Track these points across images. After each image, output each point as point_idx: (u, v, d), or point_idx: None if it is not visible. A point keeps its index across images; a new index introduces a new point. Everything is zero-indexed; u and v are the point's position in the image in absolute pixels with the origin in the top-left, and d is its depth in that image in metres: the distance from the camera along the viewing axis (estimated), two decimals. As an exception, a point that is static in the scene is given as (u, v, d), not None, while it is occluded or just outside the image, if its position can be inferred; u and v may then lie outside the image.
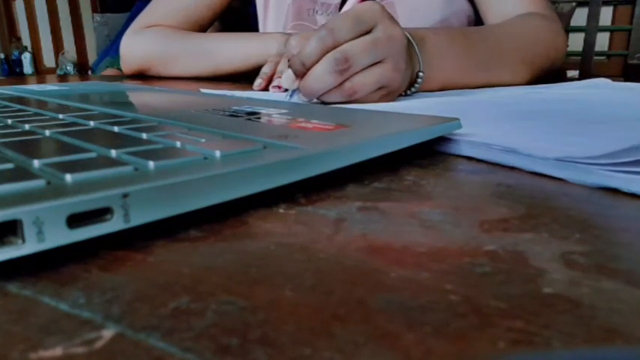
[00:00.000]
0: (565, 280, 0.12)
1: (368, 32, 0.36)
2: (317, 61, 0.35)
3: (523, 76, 0.52)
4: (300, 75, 0.37)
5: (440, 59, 0.44)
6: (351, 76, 0.36)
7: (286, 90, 0.40)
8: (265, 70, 0.53)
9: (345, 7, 0.47)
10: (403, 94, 0.42)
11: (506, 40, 0.52)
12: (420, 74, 0.41)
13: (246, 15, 0.84)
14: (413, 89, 0.42)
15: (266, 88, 0.52)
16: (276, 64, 0.53)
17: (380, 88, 0.37)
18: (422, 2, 0.65)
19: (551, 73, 0.59)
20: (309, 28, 0.69)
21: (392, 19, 0.37)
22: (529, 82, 0.53)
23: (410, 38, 0.40)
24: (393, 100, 0.39)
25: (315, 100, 0.38)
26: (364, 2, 0.38)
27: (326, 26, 0.36)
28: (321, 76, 0.35)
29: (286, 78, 0.38)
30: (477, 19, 0.70)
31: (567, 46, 0.62)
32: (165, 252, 0.13)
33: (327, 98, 0.37)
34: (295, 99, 0.39)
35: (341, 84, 0.36)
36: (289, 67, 0.38)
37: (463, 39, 0.48)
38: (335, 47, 0.35)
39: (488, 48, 0.50)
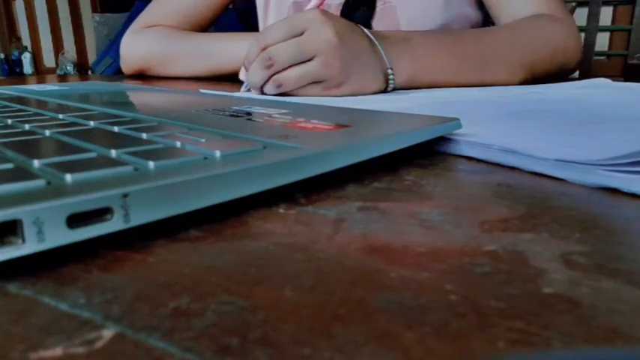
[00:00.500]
0: (565, 280, 0.12)
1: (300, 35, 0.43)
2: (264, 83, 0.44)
3: (519, 79, 0.53)
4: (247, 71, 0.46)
5: (427, 59, 0.48)
6: (280, 71, 0.43)
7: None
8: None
9: (307, 8, 0.53)
10: (385, 90, 0.47)
11: (504, 42, 0.53)
12: (389, 71, 0.46)
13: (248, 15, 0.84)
14: (390, 86, 0.46)
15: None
16: None
17: (318, 83, 0.44)
18: (423, 6, 0.65)
19: (562, 75, 0.59)
20: None
21: (326, 23, 0.42)
22: (527, 83, 0.53)
23: (373, 39, 0.45)
24: (345, 94, 0.44)
25: (254, 91, 0.47)
26: (305, 10, 0.46)
27: (262, 31, 0.45)
28: (254, 71, 0.44)
29: (242, 73, 0.49)
30: (484, 24, 0.70)
31: (581, 48, 0.62)
32: (165, 252, 0.13)
33: (264, 89, 0.45)
34: (246, 90, 0.48)
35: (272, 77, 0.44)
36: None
37: (453, 40, 0.51)
38: (266, 49, 0.43)
39: (481, 49, 0.51)
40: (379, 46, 0.46)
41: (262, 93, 0.45)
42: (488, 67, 0.51)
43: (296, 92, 0.44)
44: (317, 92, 0.44)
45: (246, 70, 0.46)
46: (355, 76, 0.44)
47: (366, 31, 0.46)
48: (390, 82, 0.46)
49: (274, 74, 0.43)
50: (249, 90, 0.48)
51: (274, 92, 0.44)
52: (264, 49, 0.44)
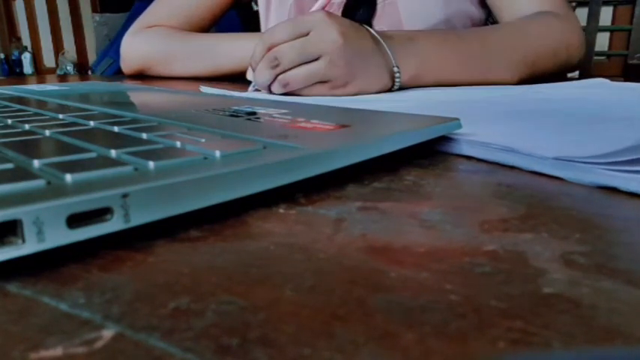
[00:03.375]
0: (565, 280, 0.12)
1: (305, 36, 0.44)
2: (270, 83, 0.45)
3: (521, 76, 0.53)
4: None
5: (432, 57, 0.48)
6: (286, 71, 0.44)
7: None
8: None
9: (313, 9, 0.54)
10: (391, 89, 0.47)
11: (508, 40, 0.53)
12: (395, 69, 0.46)
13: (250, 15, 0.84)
14: (396, 85, 0.47)
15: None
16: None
17: (324, 83, 0.44)
18: (424, 2, 0.65)
19: (566, 72, 0.59)
20: None
21: (332, 24, 0.43)
22: (529, 81, 0.53)
23: (378, 38, 0.46)
24: (350, 93, 0.45)
25: (263, 91, 0.47)
26: (310, 11, 0.48)
27: (268, 32, 0.45)
28: (261, 71, 0.45)
29: (249, 73, 0.50)
30: (486, 21, 0.70)
31: (584, 44, 0.62)
32: (165, 252, 0.13)
33: (272, 89, 0.45)
34: (254, 90, 0.49)
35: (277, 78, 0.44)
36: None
37: (457, 39, 0.51)
38: (272, 49, 0.44)
39: (485, 48, 0.51)
40: (385, 46, 0.46)
41: (270, 92, 0.46)
42: (492, 66, 0.51)
43: (302, 92, 0.45)
44: (323, 92, 0.44)
45: (253, 70, 0.47)
46: (361, 76, 0.44)
47: (371, 30, 0.46)
48: (397, 80, 0.46)
49: (280, 74, 0.44)
50: (257, 90, 0.48)
51: (281, 92, 0.45)
52: (270, 49, 0.44)
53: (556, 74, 0.58)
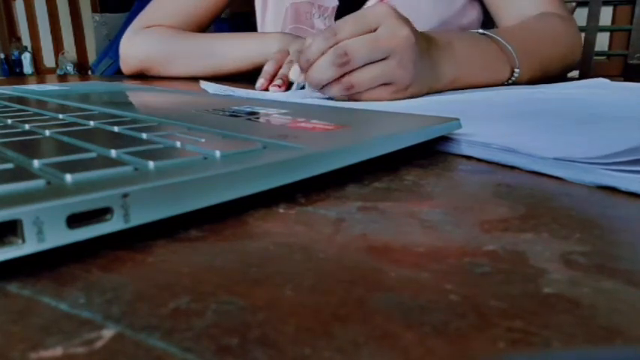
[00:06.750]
0: (565, 280, 0.12)
1: (373, 32, 0.38)
2: (320, 56, 0.39)
3: (539, 76, 0.52)
4: (305, 69, 0.40)
5: (466, 62, 0.46)
6: (352, 71, 0.38)
7: (288, 88, 0.46)
8: (267, 69, 0.54)
9: (369, 3, 0.50)
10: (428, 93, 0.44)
11: (528, 41, 0.52)
12: (441, 73, 0.43)
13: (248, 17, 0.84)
14: (437, 88, 0.44)
15: (267, 88, 0.52)
16: (278, 61, 0.54)
17: (387, 85, 0.39)
18: (418, 6, 0.65)
19: (566, 72, 0.59)
20: (306, 31, 0.69)
21: (400, 19, 0.39)
22: (542, 81, 0.52)
23: (429, 39, 0.42)
24: (407, 97, 0.41)
25: (319, 95, 0.41)
26: (375, 4, 0.41)
27: (332, 26, 0.39)
28: (322, 67, 0.38)
29: (294, 72, 0.44)
30: (485, 21, 0.70)
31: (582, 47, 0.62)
32: (165, 252, 0.13)
33: (328, 91, 0.39)
34: (301, 93, 0.43)
35: (341, 78, 0.38)
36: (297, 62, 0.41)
37: (485, 43, 0.49)
38: (337, 44, 0.38)
39: (507, 52, 0.50)
40: (432, 48, 0.43)
41: (317, 93, 0.41)
42: (513, 70, 0.50)
43: (361, 96, 0.39)
44: (383, 96, 0.40)
45: (303, 68, 0.40)
46: (419, 79, 0.41)
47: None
48: (439, 85, 0.44)
49: (346, 74, 0.39)
50: (302, 88, 0.44)
51: (341, 95, 0.39)
52: (333, 45, 0.38)
53: (562, 75, 0.58)
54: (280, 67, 0.53)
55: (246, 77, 0.65)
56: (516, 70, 0.46)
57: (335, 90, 0.39)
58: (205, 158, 0.16)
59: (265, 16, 0.76)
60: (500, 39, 0.49)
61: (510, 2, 0.62)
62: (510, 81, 0.49)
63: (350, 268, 0.12)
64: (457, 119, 0.25)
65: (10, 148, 0.17)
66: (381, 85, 0.39)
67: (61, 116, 0.26)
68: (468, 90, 0.46)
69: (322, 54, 0.38)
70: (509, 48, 0.45)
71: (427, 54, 0.41)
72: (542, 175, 0.20)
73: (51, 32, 3.06)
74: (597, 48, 1.27)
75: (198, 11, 0.74)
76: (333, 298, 0.11)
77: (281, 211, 0.16)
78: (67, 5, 2.98)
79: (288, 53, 0.54)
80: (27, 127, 0.23)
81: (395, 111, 0.29)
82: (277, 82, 0.50)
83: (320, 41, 0.39)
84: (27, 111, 0.29)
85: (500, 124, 0.28)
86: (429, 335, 0.09)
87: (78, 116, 0.26)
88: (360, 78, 0.38)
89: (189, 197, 0.14)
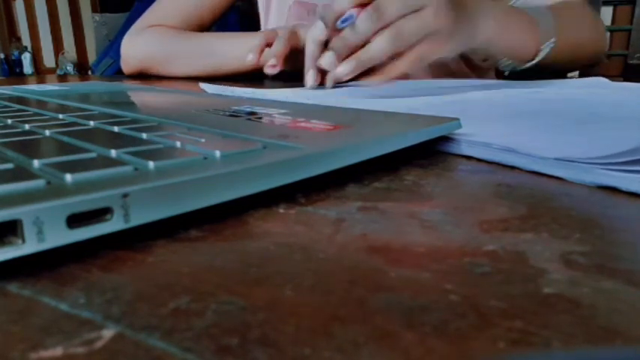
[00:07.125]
0: (565, 280, 0.12)
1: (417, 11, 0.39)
2: (371, 36, 0.39)
3: (567, 60, 0.52)
4: (350, 48, 0.40)
5: (502, 24, 0.45)
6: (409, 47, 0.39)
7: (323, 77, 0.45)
8: (278, 48, 0.53)
9: None
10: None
11: (563, 18, 0.51)
12: (481, 28, 0.42)
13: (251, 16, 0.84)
14: (472, 44, 0.44)
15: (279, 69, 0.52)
16: (287, 40, 0.54)
17: (427, 40, 0.39)
18: None
19: (590, 66, 0.58)
20: None
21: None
22: (568, 68, 0.52)
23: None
24: (447, 53, 0.41)
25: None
26: None
27: (374, 5, 0.39)
28: (362, 22, 0.38)
29: (327, 59, 0.42)
30: None
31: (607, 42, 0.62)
32: (165, 252, 0.13)
33: (377, 46, 0.39)
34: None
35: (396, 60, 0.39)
36: (330, 48, 0.42)
37: (521, 12, 0.48)
38: (385, 24, 0.39)
39: (541, 26, 0.49)
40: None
41: (345, 73, 0.40)
42: (542, 45, 0.49)
43: (406, 56, 0.39)
44: (426, 51, 0.40)
45: (326, 23, 0.41)
46: (459, 30, 0.40)
47: None
48: (473, 40, 0.43)
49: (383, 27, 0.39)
50: (327, 61, 0.42)
51: (389, 47, 0.39)
52: (384, 25, 0.39)
53: (558, 73, 0.58)
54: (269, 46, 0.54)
55: (247, 77, 0.65)
56: (547, 44, 0.45)
57: (382, 42, 0.39)
58: (205, 158, 0.16)
59: (269, 15, 0.76)
60: (533, 15, 0.48)
61: None
62: (538, 57, 0.49)
63: (350, 268, 0.12)
64: (457, 119, 0.25)
65: (10, 148, 0.17)
66: (422, 41, 0.39)
67: (61, 116, 0.26)
68: (468, 90, 0.46)
69: (373, 33, 0.38)
70: (546, 20, 0.44)
71: (462, 6, 0.41)
72: (542, 175, 0.20)
73: (51, 32, 3.06)
74: (597, 48, 1.27)
75: (199, 11, 0.75)
76: (333, 298, 0.11)
77: (281, 211, 0.16)
78: (67, 5, 2.98)
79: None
80: (27, 127, 0.23)
81: (395, 111, 0.29)
82: (272, 61, 0.50)
83: (368, 20, 0.39)
84: (27, 111, 0.29)
85: (500, 124, 0.28)
86: (429, 335, 0.09)
87: (78, 116, 0.26)
88: (403, 27, 0.38)
89: (189, 197, 0.14)
